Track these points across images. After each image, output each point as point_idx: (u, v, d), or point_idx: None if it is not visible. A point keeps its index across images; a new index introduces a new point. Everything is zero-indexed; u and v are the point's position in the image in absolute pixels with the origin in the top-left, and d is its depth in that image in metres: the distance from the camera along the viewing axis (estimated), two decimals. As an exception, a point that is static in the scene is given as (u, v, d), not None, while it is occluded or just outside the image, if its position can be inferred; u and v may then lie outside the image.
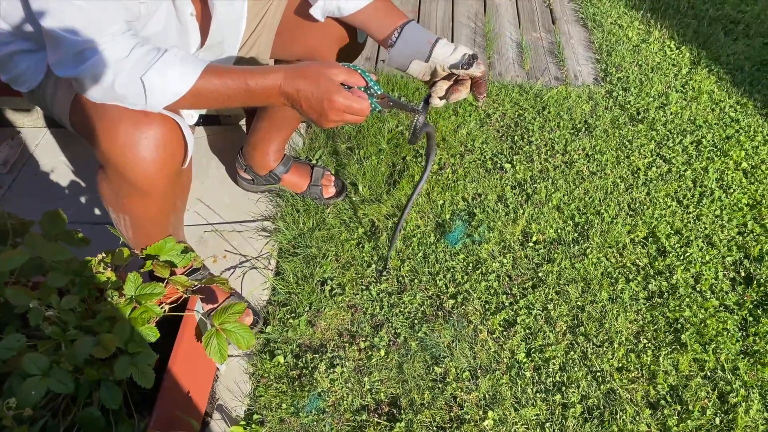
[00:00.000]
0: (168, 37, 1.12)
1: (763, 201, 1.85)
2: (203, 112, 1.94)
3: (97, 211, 1.73)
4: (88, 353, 0.95)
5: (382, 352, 1.43)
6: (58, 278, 1.05)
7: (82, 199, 1.77)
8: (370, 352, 1.43)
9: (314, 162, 1.90)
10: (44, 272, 1.07)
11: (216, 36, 1.24)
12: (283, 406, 1.33)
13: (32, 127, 1.97)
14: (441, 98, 1.20)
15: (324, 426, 1.30)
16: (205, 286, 1.34)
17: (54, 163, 1.86)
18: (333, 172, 1.84)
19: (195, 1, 1.16)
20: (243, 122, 2.01)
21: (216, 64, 1.05)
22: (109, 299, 1.09)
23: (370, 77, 1.09)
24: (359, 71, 1.08)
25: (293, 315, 1.49)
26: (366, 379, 1.38)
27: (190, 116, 1.32)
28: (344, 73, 1.06)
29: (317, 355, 1.42)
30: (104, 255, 1.16)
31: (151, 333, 1.09)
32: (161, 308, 1.18)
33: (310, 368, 1.39)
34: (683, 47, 2.51)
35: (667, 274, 1.62)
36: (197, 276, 1.41)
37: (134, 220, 1.22)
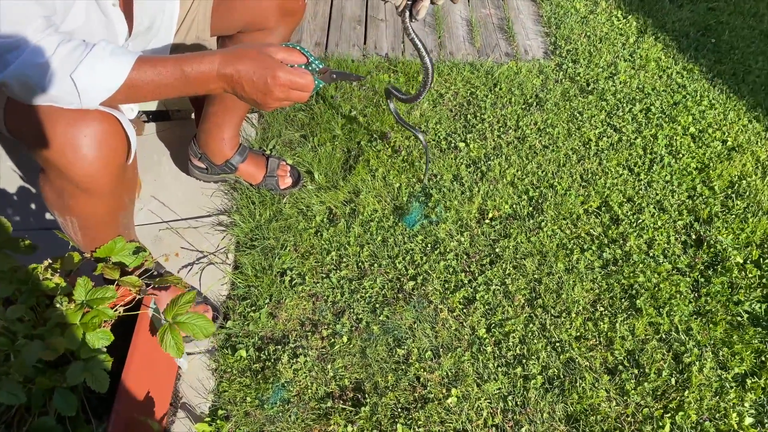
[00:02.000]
0: (92, 30, 1.09)
1: (711, 164, 1.89)
2: (151, 106, 1.91)
3: (48, 216, 1.69)
4: (36, 359, 0.93)
5: (345, 339, 1.43)
6: (2, 288, 1.03)
7: (32, 206, 1.73)
8: (332, 340, 1.43)
9: (268, 152, 1.88)
10: (-11, 283, 1.05)
11: (143, 22, 1.21)
12: (248, 399, 1.33)
13: (-26, 134, 1.91)
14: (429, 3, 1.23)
15: (289, 416, 1.30)
16: (161, 286, 1.33)
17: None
18: (288, 162, 1.83)
19: None
20: (193, 115, 1.98)
21: (150, 55, 1.02)
22: (59, 306, 1.07)
23: (309, 53, 1.08)
24: (298, 48, 1.07)
25: (254, 308, 1.49)
26: (329, 366, 1.38)
27: (130, 110, 1.29)
28: (283, 51, 1.05)
29: (280, 347, 1.42)
30: (51, 261, 1.14)
31: (104, 337, 1.07)
32: (115, 311, 1.16)
33: (272, 360, 1.39)
34: (630, 16, 2.54)
35: (621, 241, 1.66)
36: (152, 275, 1.40)
37: (82, 222, 1.20)
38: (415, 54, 2.30)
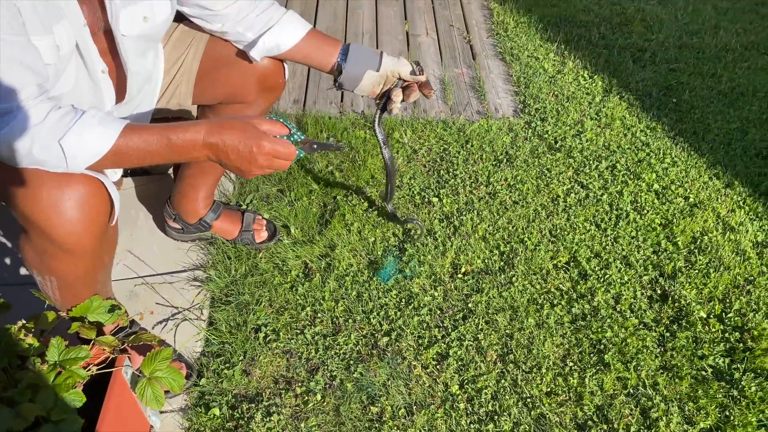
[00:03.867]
0: (81, 95, 1.13)
1: (674, 220, 1.96)
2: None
3: (23, 272, 1.68)
4: (6, 429, 0.93)
5: (319, 396, 1.44)
6: (-25, 350, 1.03)
7: (7, 261, 1.72)
8: (306, 397, 1.44)
9: (245, 207, 1.91)
10: (-38, 345, 1.05)
11: (133, 90, 1.25)
12: (220, 459, 1.32)
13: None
14: (400, 102, 1.37)
15: (262, 476, 1.29)
16: (135, 344, 1.33)
17: (-26, 223, 1.81)
18: (264, 216, 1.85)
19: (107, 58, 1.17)
20: (171, 171, 2.01)
21: (137, 123, 1.06)
22: (31, 367, 1.07)
23: (291, 124, 1.14)
24: (280, 120, 1.12)
25: (227, 365, 1.49)
26: (303, 425, 1.39)
27: (113, 173, 1.32)
28: (266, 123, 1.11)
29: (253, 405, 1.42)
30: (24, 322, 1.14)
31: (76, 398, 1.07)
32: (88, 370, 1.16)
33: (246, 418, 1.39)
34: (596, 76, 2.66)
35: (589, 296, 1.70)
36: (126, 333, 1.40)
37: (62, 282, 1.21)
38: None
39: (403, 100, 1.38)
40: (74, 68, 1.10)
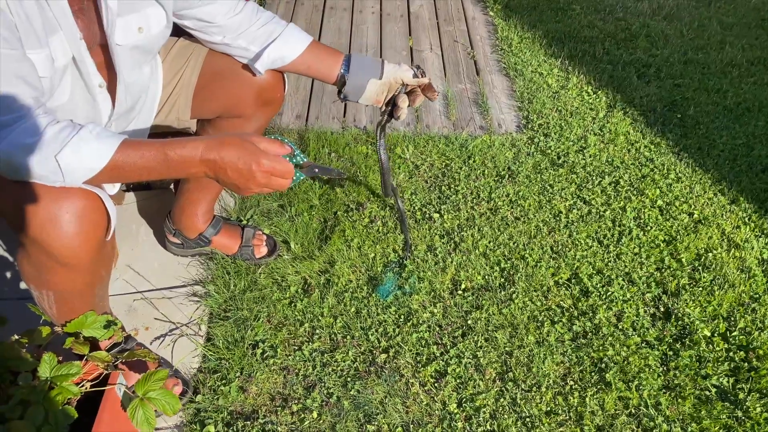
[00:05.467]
0: (76, 107, 1.13)
1: (678, 236, 1.94)
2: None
3: (22, 286, 1.69)
4: (-7, 446, 0.92)
5: (315, 414, 1.42)
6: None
7: (7, 275, 1.73)
8: (302, 415, 1.43)
9: (245, 222, 1.91)
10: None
11: (127, 102, 1.26)
12: (214, 477, 1.31)
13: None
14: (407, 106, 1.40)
15: (256, 495, 1.28)
16: (132, 360, 1.33)
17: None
18: (264, 232, 1.85)
19: (103, 72, 1.18)
20: (172, 186, 2.01)
21: (134, 138, 1.06)
22: (21, 383, 1.07)
23: (294, 145, 1.13)
24: (285, 141, 1.12)
25: (224, 381, 1.48)
26: (298, 442, 1.37)
27: (111, 186, 1.32)
28: (264, 141, 1.10)
29: (249, 422, 1.40)
30: (18, 337, 1.14)
31: (67, 415, 1.07)
32: (81, 386, 1.16)
33: (241, 436, 1.38)
34: (600, 91, 2.65)
35: (591, 314, 1.68)
36: (122, 349, 1.39)
37: (58, 296, 1.21)
38: (391, 127, 2.37)
39: (409, 105, 1.40)
40: (70, 81, 1.11)
